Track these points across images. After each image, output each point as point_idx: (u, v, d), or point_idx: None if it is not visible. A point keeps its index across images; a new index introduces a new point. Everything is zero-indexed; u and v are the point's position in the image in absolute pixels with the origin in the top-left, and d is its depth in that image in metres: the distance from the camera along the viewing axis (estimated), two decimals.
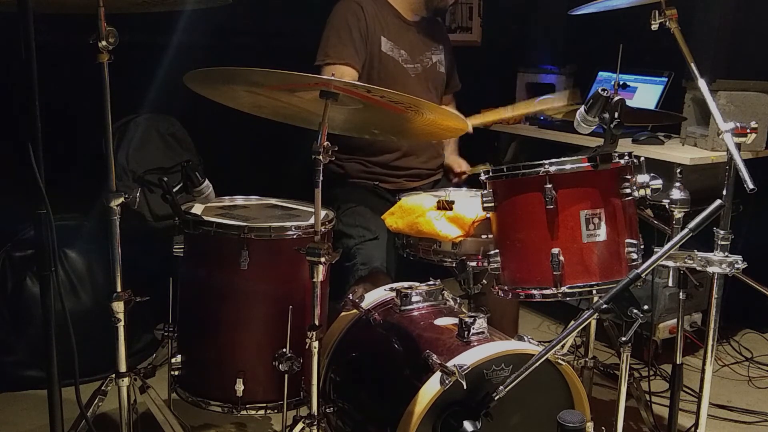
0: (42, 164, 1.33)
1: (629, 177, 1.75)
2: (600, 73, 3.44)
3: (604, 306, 1.55)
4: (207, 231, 1.90)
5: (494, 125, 3.40)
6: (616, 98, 1.72)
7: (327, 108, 1.60)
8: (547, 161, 1.73)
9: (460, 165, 2.71)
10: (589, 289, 1.73)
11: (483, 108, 3.09)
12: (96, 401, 1.92)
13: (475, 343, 1.73)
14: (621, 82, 1.98)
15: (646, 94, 3.22)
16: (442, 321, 1.92)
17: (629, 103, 3.07)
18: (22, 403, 2.54)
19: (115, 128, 1.84)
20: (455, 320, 1.84)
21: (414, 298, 2.01)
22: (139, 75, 2.71)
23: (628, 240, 1.74)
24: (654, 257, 1.58)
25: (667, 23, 1.85)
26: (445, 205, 2.03)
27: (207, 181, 1.97)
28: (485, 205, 1.84)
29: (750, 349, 3.10)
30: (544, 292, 1.75)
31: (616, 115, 1.72)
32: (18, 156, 1.35)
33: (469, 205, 2.04)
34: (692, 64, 1.82)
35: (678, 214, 1.92)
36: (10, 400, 2.57)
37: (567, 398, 1.76)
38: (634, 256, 1.74)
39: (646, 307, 1.61)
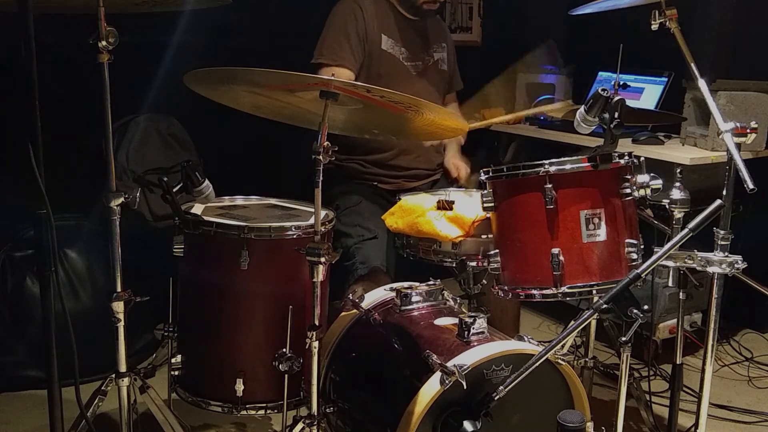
0: (42, 164, 1.33)
1: (629, 177, 1.75)
2: (600, 73, 3.44)
3: (604, 306, 1.55)
4: (207, 231, 1.90)
5: (494, 125, 3.41)
6: (616, 98, 1.72)
7: (327, 108, 1.60)
8: (547, 161, 1.73)
9: (459, 169, 2.69)
10: (589, 289, 1.73)
11: (483, 107, 3.10)
12: (96, 401, 1.92)
13: (475, 343, 1.73)
14: (621, 82, 1.98)
15: (645, 94, 3.23)
16: (442, 321, 1.92)
17: (633, 103, 3.10)
18: (22, 403, 2.54)
19: (115, 128, 1.84)
20: (455, 320, 1.84)
21: (414, 298, 2.01)
22: (139, 75, 2.71)
23: (628, 240, 1.74)
24: (654, 257, 1.58)
25: (667, 23, 1.85)
26: (445, 205, 2.03)
27: (207, 181, 1.97)
28: (485, 205, 1.84)
29: (750, 349, 3.10)
30: (544, 292, 1.75)
31: (616, 115, 1.72)
32: (18, 156, 1.34)
33: (470, 205, 2.04)
34: (692, 64, 1.82)
35: (678, 214, 1.92)
36: (10, 400, 2.57)
37: (567, 398, 1.76)
38: (634, 256, 1.74)
39: (646, 307, 1.61)
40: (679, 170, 1.96)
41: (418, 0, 2.56)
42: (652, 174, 1.76)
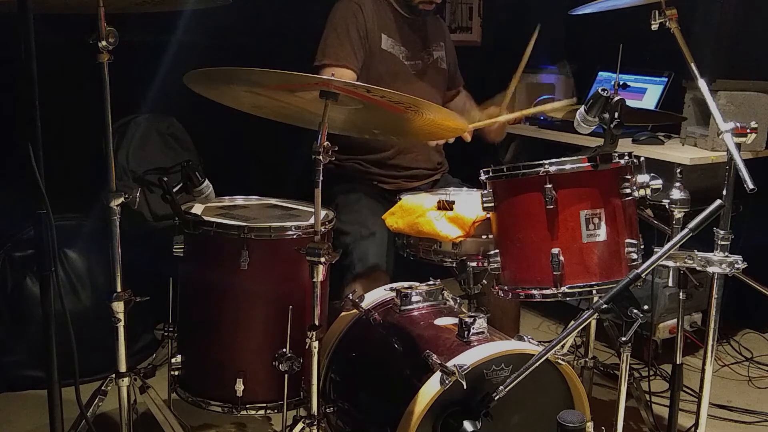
0: (42, 164, 1.33)
1: (629, 177, 1.75)
2: (600, 73, 3.44)
3: (604, 306, 1.55)
4: (207, 231, 1.90)
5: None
6: (616, 98, 1.72)
7: (327, 108, 1.60)
8: (547, 161, 1.73)
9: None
10: (589, 289, 1.73)
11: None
12: (96, 401, 1.92)
13: (475, 343, 1.73)
14: (621, 82, 1.98)
15: (646, 94, 3.22)
16: (442, 321, 1.92)
17: (636, 103, 3.10)
18: (22, 403, 2.54)
19: (115, 128, 1.84)
20: (455, 320, 1.84)
21: (414, 298, 2.01)
22: (139, 75, 2.71)
23: (628, 240, 1.74)
24: (654, 257, 1.58)
25: (667, 23, 1.85)
26: (446, 206, 2.03)
27: (207, 181, 1.97)
28: (485, 205, 1.84)
29: (750, 349, 3.10)
30: (544, 292, 1.75)
31: (616, 115, 1.72)
32: (18, 156, 1.35)
33: (470, 205, 2.04)
34: (692, 64, 1.82)
35: (678, 214, 1.92)
36: (10, 400, 2.57)
37: (567, 398, 1.76)
38: (634, 256, 1.74)
39: (646, 307, 1.61)
40: (679, 170, 1.96)
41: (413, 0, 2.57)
42: (652, 174, 1.76)
